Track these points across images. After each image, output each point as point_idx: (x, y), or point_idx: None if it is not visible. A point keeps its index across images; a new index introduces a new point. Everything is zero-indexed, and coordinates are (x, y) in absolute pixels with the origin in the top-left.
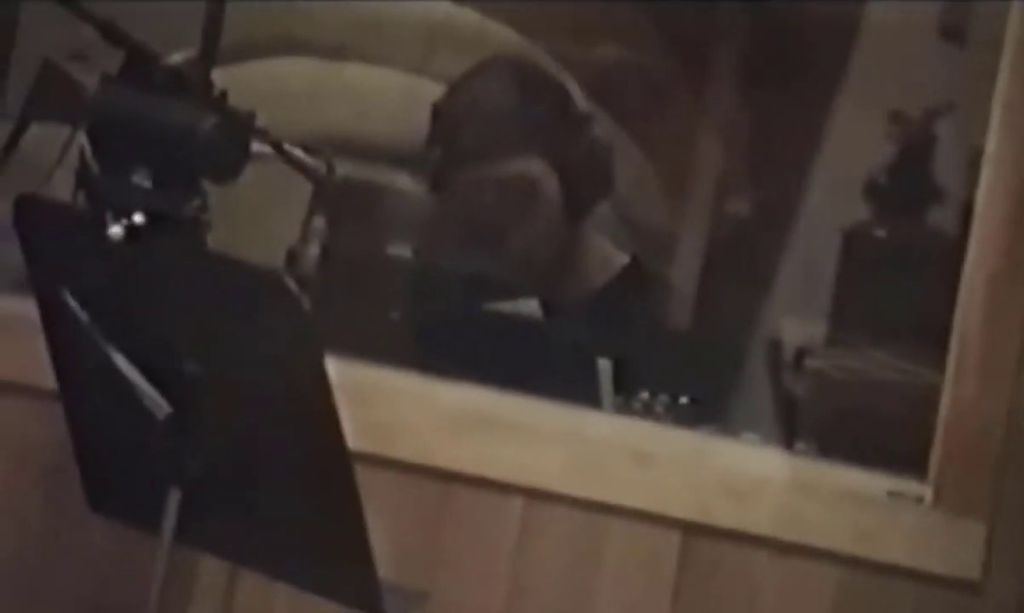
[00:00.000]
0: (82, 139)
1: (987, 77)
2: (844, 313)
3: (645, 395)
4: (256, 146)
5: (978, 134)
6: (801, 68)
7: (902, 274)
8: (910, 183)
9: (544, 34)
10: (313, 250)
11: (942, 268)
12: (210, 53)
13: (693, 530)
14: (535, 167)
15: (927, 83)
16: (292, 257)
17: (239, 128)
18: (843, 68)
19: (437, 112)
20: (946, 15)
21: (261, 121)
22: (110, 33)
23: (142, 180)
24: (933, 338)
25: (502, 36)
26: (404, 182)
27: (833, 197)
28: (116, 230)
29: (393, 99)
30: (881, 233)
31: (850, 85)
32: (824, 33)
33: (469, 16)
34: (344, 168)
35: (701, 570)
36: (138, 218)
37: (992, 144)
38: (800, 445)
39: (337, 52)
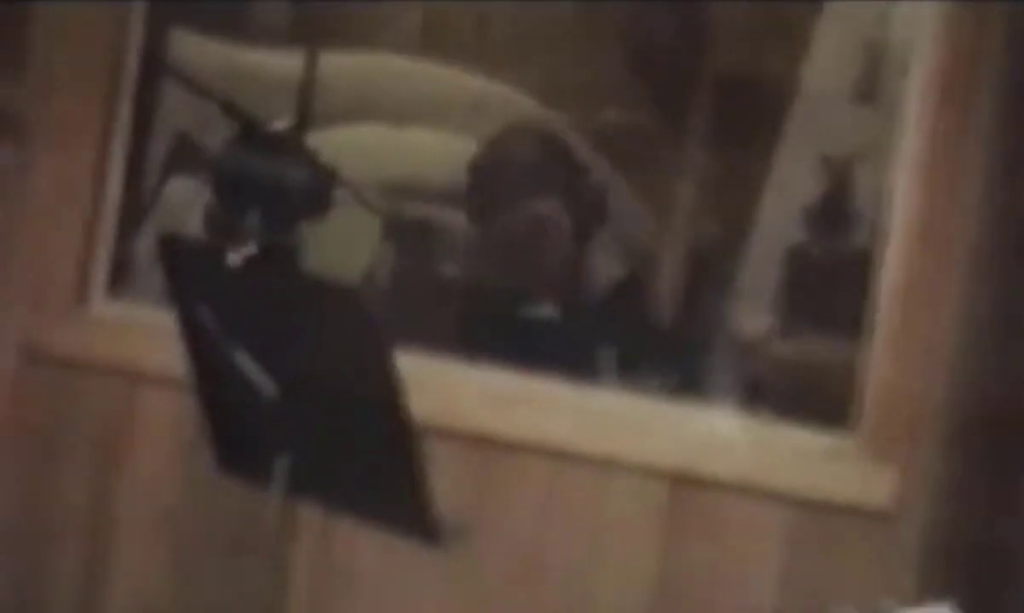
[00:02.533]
0: (208, 190)
1: (891, 131)
2: (790, 311)
3: (640, 375)
4: (340, 192)
5: (886, 174)
6: (754, 124)
7: (833, 281)
8: (836, 212)
9: (559, 102)
10: (384, 271)
11: (863, 276)
12: (304, 121)
13: (680, 479)
14: (550, 207)
15: (847, 135)
16: (368, 277)
17: (327, 179)
18: (784, 124)
19: (474, 166)
20: (859, 83)
21: (344, 173)
22: (229, 108)
23: (253, 220)
24: (858, 329)
25: (524, 105)
26: (454, 218)
27: (779, 223)
28: (234, 258)
29: (445, 154)
30: (815, 250)
31: (790, 137)
32: (769, 98)
33: (500, 89)
34: (407, 208)
35: (687, 511)
36: (251, 249)
37: (897, 182)
38: (760, 411)
39: (401, 118)
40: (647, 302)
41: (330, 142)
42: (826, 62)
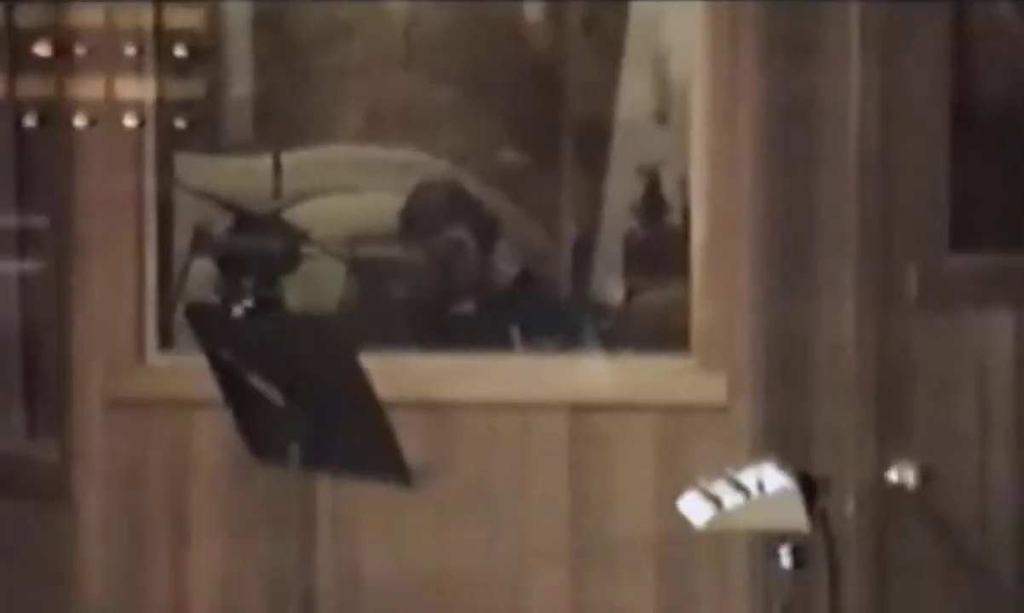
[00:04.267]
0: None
1: (684, 141)
2: (634, 277)
3: (538, 341)
4: (310, 250)
5: (685, 171)
6: (594, 149)
7: (660, 252)
8: (653, 204)
9: (461, 157)
10: (350, 298)
11: (680, 245)
12: (280, 206)
13: (575, 409)
14: (460, 233)
15: (654, 148)
16: (340, 304)
17: (299, 242)
18: (611, 146)
19: (402, 214)
20: (658, 106)
21: (314, 235)
22: (228, 205)
23: (248, 282)
24: (682, 282)
25: (438, 164)
26: (395, 253)
27: (617, 217)
28: (238, 311)
29: (384, 209)
30: (642, 233)
31: (615, 156)
32: (597, 128)
33: (420, 156)
34: (362, 251)
35: (583, 430)
36: (248, 304)
37: (693, 176)
38: (624, 350)
39: (351, 188)
40: (537, 288)
41: (301, 214)
42: (631, 97)
